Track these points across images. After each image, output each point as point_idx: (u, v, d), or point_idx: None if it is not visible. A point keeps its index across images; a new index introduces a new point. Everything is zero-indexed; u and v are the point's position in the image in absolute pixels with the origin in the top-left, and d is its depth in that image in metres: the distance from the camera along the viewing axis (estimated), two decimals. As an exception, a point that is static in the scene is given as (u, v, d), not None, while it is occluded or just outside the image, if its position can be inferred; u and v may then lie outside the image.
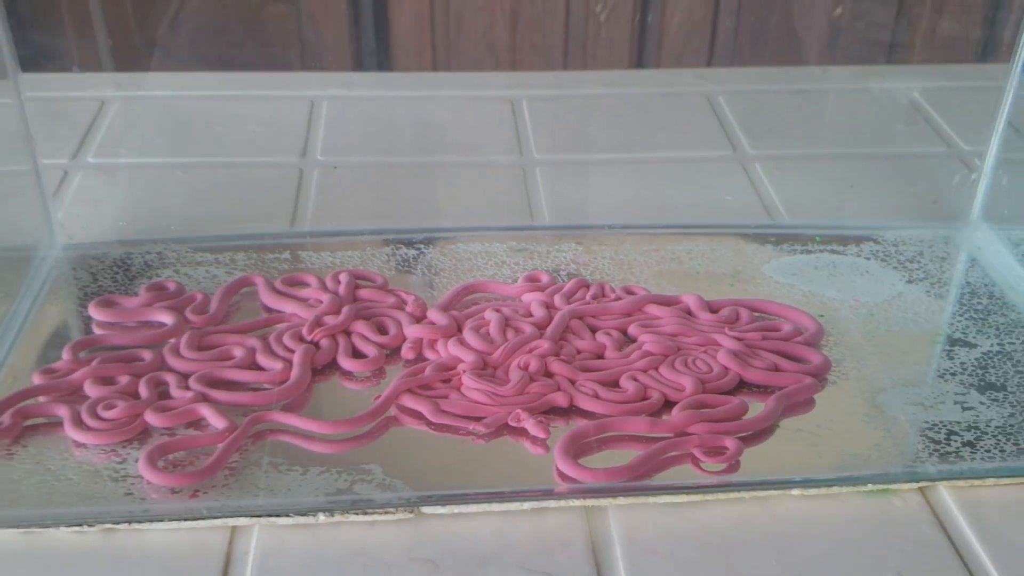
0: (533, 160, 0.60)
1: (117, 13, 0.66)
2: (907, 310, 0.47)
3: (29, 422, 0.41)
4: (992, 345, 0.45)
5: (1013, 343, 0.45)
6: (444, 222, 0.53)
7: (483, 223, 0.53)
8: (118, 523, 0.37)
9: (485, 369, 0.42)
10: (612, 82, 0.68)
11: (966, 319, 0.47)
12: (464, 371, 0.42)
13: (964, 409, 0.42)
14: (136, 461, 0.39)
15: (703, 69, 0.69)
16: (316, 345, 0.44)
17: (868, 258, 0.51)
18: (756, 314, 0.46)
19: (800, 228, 0.53)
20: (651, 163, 0.60)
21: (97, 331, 0.45)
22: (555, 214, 0.55)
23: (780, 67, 0.69)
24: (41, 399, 0.42)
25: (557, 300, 0.46)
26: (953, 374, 0.44)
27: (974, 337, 0.46)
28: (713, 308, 0.46)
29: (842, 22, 0.67)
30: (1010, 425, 0.41)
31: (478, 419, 0.41)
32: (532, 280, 0.48)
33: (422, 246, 0.51)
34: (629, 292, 0.47)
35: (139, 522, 0.37)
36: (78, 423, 0.40)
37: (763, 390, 0.42)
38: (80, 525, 0.37)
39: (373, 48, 0.72)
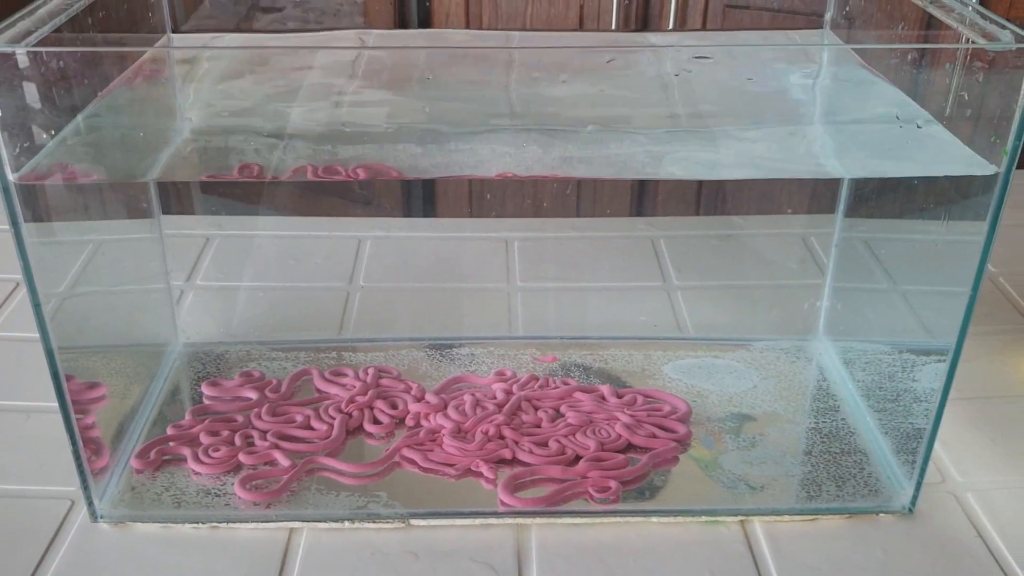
0: (516, 287, 0.82)
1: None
2: (757, 398, 0.66)
3: (166, 457, 0.59)
4: (809, 423, 0.64)
5: (825, 422, 0.64)
6: (445, 333, 0.73)
7: (472, 334, 0.74)
8: (220, 523, 0.54)
9: (459, 433, 0.63)
10: (583, 227, 0.90)
11: (796, 405, 0.66)
12: (445, 434, 0.63)
13: (778, 467, 0.61)
14: (232, 484, 0.57)
15: (651, 217, 0.90)
16: (349, 415, 0.65)
17: (738, 362, 0.70)
18: (648, 399, 0.67)
19: (695, 340, 0.73)
20: (599, 291, 0.81)
21: (207, 402, 0.65)
22: (527, 328, 0.76)
23: (710, 216, 0.90)
24: (172, 443, 0.61)
25: (515, 388, 0.67)
26: (777, 443, 0.63)
27: (799, 417, 0.65)
28: (619, 395, 0.67)
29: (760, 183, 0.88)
30: (805, 479, 0.59)
31: (451, 465, 0.61)
32: (500, 375, 0.69)
33: (428, 350, 0.72)
34: (565, 383, 0.68)
35: (233, 522, 0.54)
36: (196, 459, 0.59)
37: (643, 450, 0.61)
38: (197, 523, 0.54)
39: (420, 200, 0.95)
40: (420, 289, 0.81)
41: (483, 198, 0.91)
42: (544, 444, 0.61)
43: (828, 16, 0.69)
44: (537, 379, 0.68)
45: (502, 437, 0.62)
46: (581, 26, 1.37)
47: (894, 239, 0.67)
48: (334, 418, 0.63)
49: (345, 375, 0.68)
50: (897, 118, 0.53)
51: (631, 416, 0.63)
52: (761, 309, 0.77)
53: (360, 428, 0.63)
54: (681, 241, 0.87)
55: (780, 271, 0.82)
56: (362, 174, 0.50)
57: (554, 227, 0.90)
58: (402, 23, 1.47)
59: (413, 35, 1.00)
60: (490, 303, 0.79)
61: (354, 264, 0.84)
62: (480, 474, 0.59)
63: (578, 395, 0.66)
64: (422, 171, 0.51)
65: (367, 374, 0.68)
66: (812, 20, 1.18)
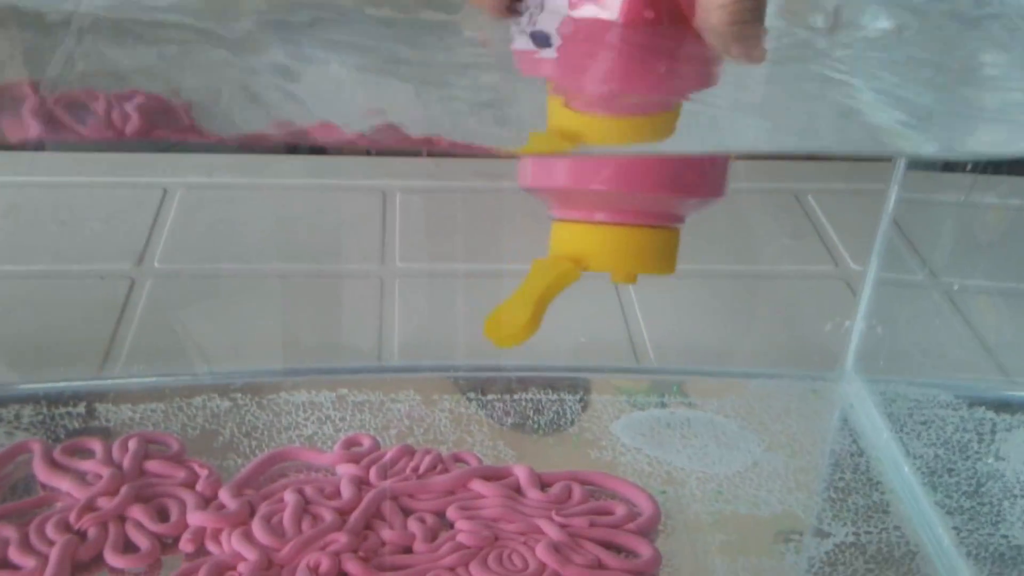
0: (395, 270, 0.55)
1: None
2: (760, 486, 0.42)
3: None
4: (847, 535, 0.40)
5: (870, 532, 0.41)
6: (271, 362, 0.48)
7: (316, 363, 0.48)
8: None
9: (269, 569, 0.38)
10: (495, 174, 0.64)
11: (824, 499, 0.42)
12: (242, 573, 0.37)
13: (802, 620, 0.38)
14: None
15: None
16: (82, 535, 0.38)
17: (727, 416, 0.46)
18: (589, 490, 0.42)
19: (657, 373, 0.48)
20: (513, 279, 0.56)
21: None
22: (405, 349, 0.50)
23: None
24: None
25: (373, 474, 0.41)
26: (797, 572, 0.39)
27: (828, 524, 0.41)
28: (545, 482, 0.42)
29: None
30: (849, 645, 0.37)
31: (255, 634, 0.36)
32: (352, 444, 0.43)
33: (238, 395, 0.46)
34: (459, 459, 0.43)
35: None
36: None
37: (582, 594, 0.38)
38: None
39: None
40: (244, 275, 0.54)
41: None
42: (416, 588, 0.36)
43: None
44: (412, 453, 0.42)
45: (344, 574, 0.37)
46: None
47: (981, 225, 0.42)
48: (53, 543, 0.37)
49: (90, 452, 0.41)
50: None
51: (562, 527, 0.39)
52: (754, 322, 0.53)
53: (99, 559, 0.37)
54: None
55: (779, 254, 0.57)
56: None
57: (453, 173, 0.63)
58: None
59: None
60: (352, 300, 0.53)
61: (151, 231, 0.56)
62: (303, 652, 0.34)
63: (477, 485, 0.41)
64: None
65: (125, 450, 0.41)
66: None
